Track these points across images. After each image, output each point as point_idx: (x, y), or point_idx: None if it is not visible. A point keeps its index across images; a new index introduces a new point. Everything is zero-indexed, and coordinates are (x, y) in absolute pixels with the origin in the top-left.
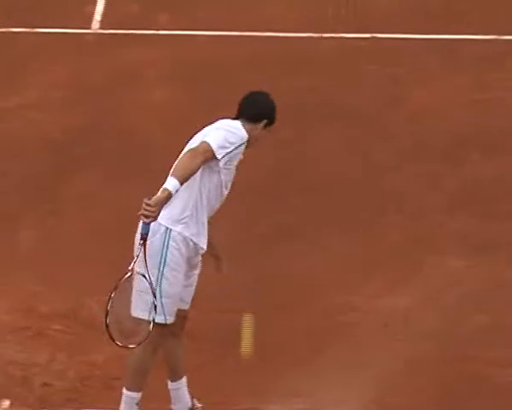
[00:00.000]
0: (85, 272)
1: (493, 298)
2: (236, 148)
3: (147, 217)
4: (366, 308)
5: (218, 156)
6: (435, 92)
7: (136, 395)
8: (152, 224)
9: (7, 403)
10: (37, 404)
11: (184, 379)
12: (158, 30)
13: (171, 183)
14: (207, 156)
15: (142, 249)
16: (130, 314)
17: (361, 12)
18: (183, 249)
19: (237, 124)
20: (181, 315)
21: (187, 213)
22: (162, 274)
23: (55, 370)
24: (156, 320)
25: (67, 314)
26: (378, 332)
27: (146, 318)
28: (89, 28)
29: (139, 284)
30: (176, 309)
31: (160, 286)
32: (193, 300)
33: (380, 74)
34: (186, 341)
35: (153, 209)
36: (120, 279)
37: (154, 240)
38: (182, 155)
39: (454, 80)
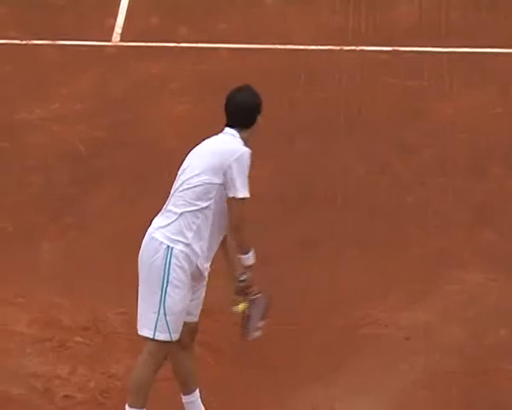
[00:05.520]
0: (106, 284)
1: None
2: (249, 168)
3: (248, 291)
4: (387, 322)
5: (248, 194)
6: (457, 106)
7: None
8: (153, 243)
9: None
10: None
11: (197, 392)
12: (178, 43)
13: (247, 258)
14: (245, 206)
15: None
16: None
17: (381, 25)
18: (186, 266)
19: (238, 146)
20: (190, 328)
21: (190, 233)
22: (166, 292)
23: (75, 382)
24: (161, 338)
25: (88, 327)
26: (399, 345)
27: (151, 336)
28: (109, 41)
29: (144, 303)
30: (181, 325)
31: (164, 304)
32: (212, 312)
33: (400, 87)
34: (205, 354)
35: (250, 285)
36: None
37: (155, 259)
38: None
39: (476, 93)
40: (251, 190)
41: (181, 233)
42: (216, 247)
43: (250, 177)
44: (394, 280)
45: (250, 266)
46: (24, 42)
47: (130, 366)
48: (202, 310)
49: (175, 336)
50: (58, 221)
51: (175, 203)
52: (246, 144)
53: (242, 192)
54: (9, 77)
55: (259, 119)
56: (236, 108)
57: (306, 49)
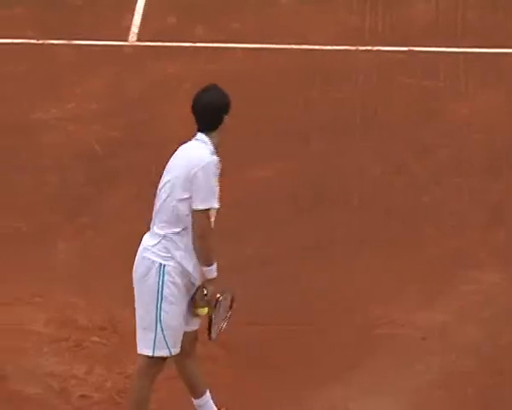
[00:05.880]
0: (123, 284)
1: None
2: (216, 176)
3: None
4: (402, 322)
5: (216, 204)
6: (473, 106)
7: None
8: (145, 262)
9: None
10: None
11: (207, 394)
12: (194, 42)
13: (210, 271)
14: (208, 216)
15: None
16: None
17: (398, 25)
18: (179, 281)
19: (204, 155)
20: (190, 337)
21: (178, 252)
22: (161, 309)
23: (92, 382)
24: (161, 355)
25: (105, 326)
26: (414, 345)
27: (151, 354)
28: (126, 40)
29: (142, 322)
30: (180, 338)
31: (161, 321)
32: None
33: (417, 87)
34: (219, 354)
35: (212, 298)
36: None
37: (148, 277)
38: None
39: (492, 94)
40: (263, 191)
41: (170, 252)
42: None
43: (265, 177)
44: (410, 280)
45: (212, 280)
46: (40, 41)
47: None
48: None
49: (174, 351)
50: (74, 221)
51: (158, 224)
52: (216, 149)
53: (204, 204)
54: (25, 76)
55: (227, 119)
56: (203, 108)
57: (322, 49)
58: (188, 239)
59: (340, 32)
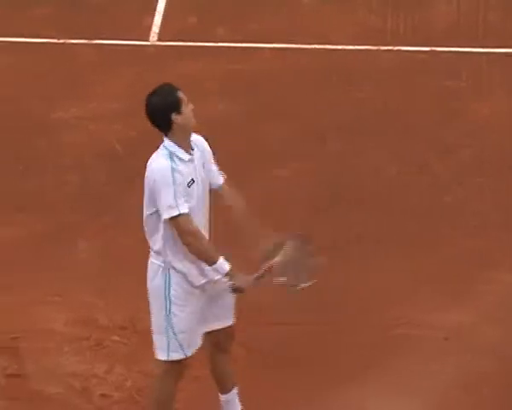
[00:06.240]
0: (143, 283)
1: None
2: (176, 181)
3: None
4: (419, 322)
5: (182, 210)
6: (495, 106)
7: None
8: (152, 266)
9: None
10: None
11: (235, 390)
12: (216, 42)
13: (218, 268)
14: (181, 222)
15: None
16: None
17: (419, 25)
18: (184, 285)
19: (158, 162)
20: (226, 332)
21: (169, 258)
22: (170, 312)
23: (112, 381)
24: (175, 358)
25: (125, 326)
26: (431, 346)
27: (166, 358)
28: (147, 40)
29: (154, 327)
30: (197, 339)
31: (172, 324)
32: (242, 312)
33: (438, 88)
34: (236, 353)
35: (244, 283)
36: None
37: (156, 281)
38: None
39: None
40: (279, 191)
41: (171, 253)
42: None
43: (282, 177)
44: (426, 280)
45: (230, 272)
46: (61, 41)
47: None
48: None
49: (190, 352)
50: (95, 220)
51: (146, 234)
52: (184, 147)
53: (169, 212)
54: (46, 76)
55: (178, 118)
56: (149, 114)
57: (343, 49)
58: (172, 244)
59: (361, 31)
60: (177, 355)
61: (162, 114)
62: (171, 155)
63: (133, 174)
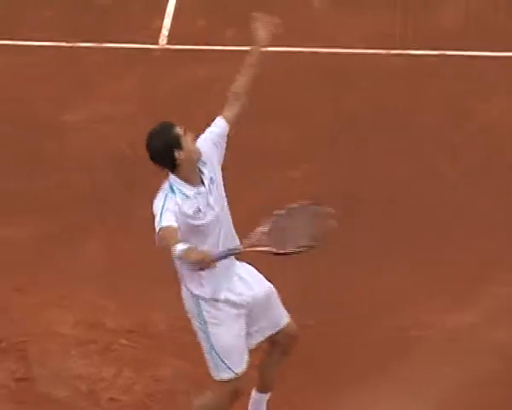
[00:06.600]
0: (152, 287)
1: None
2: (164, 205)
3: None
4: (432, 323)
5: (164, 223)
6: (503, 108)
7: None
8: (183, 289)
9: None
10: None
11: (268, 395)
12: (225, 45)
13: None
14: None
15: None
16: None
17: (428, 28)
18: (212, 304)
19: (156, 198)
20: (284, 333)
21: (201, 278)
22: (208, 333)
23: (121, 384)
24: (225, 378)
25: (134, 329)
26: (442, 347)
27: (217, 378)
28: (156, 43)
29: (203, 348)
30: (243, 355)
31: (213, 346)
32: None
33: (447, 90)
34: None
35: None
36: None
37: (187, 305)
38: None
39: None
40: (289, 193)
41: (195, 280)
42: (223, 271)
43: (292, 178)
44: (440, 282)
45: (186, 249)
46: (70, 44)
47: (177, 370)
48: None
49: (240, 370)
50: (104, 223)
51: None
52: (187, 182)
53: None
54: (55, 78)
55: (180, 153)
56: (153, 158)
57: (353, 53)
58: (187, 272)
59: (371, 36)
60: (225, 376)
61: (165, 155)
62: (173, 189)
63: (140, 177)
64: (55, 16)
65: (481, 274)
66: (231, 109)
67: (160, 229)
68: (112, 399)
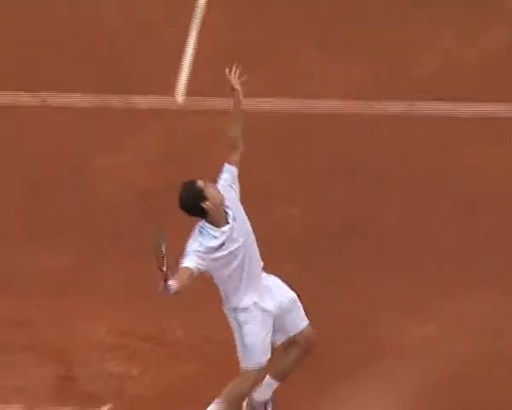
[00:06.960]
0: (171, 303)
1: None
2: (199, 245)
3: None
4: (408, 330)
5: (188, 264)
6: (483, 155)
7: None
8: (224, 306)
9: (105, 408)
10: None
11: (275, 384)
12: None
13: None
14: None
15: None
16: None
17: (404, 79)
18: (245, 309)
19: (191, 240)
20: (304, 337)
21: (233, 292)
22: (242, 332)
23: (145, 383)
24: (251, 367)
25: (156, 336)
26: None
27: (244, 367)
28: (172, 96)
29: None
30: (268, 348)
31: (245, 343)
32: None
33: (426, 139)
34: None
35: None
36: None
37: (228, 315)
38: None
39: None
40: (289, 228)
41: (229, 297)
42: (251, 285)
43: (291, 215)
44: (413, 297)
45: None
46: (96, 98)
47: (196, 375)
48: None
49: (264, 360)
50: (122, 250)
51: None
52: (214, 225)
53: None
54: (78, 128)
55: (207, 203)
56: (187, 211)
57: (331, 105)
58: (224, 288)
59: (349, 85)
60: (252, 366)
61: (195, 208)
62: (202, 232)
63: (162, 214)
64: (79, 72)
65: (444, 292)
66: (234, 154)
67: (180, 267)
68: (138, 395)
